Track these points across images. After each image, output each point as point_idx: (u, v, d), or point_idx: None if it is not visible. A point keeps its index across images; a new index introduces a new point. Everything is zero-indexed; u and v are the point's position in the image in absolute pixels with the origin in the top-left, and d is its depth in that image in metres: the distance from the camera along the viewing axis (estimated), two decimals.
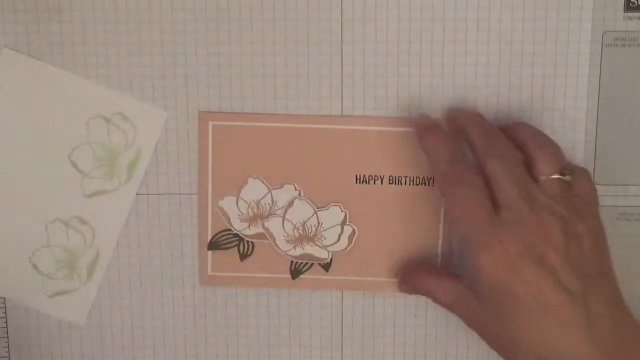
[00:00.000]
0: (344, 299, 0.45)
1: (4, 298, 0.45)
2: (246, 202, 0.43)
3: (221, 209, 0.43)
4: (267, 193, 0.43)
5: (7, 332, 0.46)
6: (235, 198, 0.43)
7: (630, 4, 0.42)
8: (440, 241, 0.44)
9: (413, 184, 0.43)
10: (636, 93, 0.42)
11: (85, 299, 0.45)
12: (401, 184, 0.43)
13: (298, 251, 0.44)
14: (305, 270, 0.44)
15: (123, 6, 0.42)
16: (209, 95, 0.43)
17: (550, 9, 0.42)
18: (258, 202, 0.43)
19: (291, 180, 0.43)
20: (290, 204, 0.43)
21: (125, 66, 0.43)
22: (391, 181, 0.43)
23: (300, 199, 0.43)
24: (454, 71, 0.43)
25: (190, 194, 0.44)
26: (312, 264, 0.44)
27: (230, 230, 0.43)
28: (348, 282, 0.44)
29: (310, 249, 0.43)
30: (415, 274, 0.42)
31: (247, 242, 0.44)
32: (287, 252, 0.44)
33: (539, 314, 0.35)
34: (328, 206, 0.43)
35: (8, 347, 0.46)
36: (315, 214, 0.43)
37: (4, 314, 0.46)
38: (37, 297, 0.45)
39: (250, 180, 0.43)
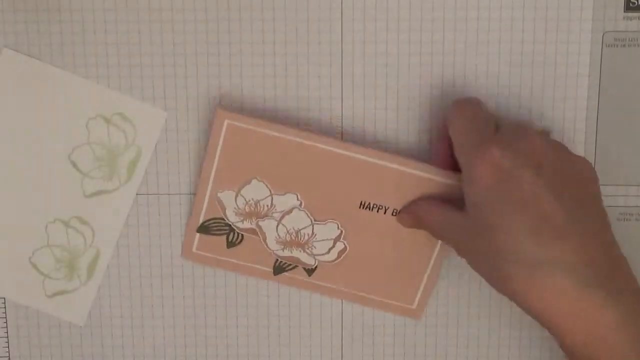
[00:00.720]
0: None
1: (4, 298, 0.45)
2: (245, 200, 0.43)
3: (218, 200, 0.43)
4: (269, 196, 0.43)
5: (7, 332, 0.46)
6: (234, 194, 0.43)
7: (630, 4, 0.42)
8: (425, 277, 0.44)
9: None
10: (636, 93, 0.42)
11: (85, 299, 0.45)
12: None
13: (286, 253, 0.43)
14: (288, 269, 0.44)
15: (123, 6, 0.42)
16: (209, 96, 0.43)
17: (550, 9, 0.42)
18: (257, 202, 0.42)
19: (295, 190, 0.42)
20: (289, 211, 0.43)
21: (125, 66, 0.43)
22: (394, 214, 0.42)
23: (300, 210, 0.42)
24: (454, 71, 0.43)
25: (190, 194, 0.44)
26: (297, 267, 0.44)
27: (223, 219, 0.43)
28: (328, 289, 0.44)
29: (298, 253, 0.43)
30: (410, 204, 0.42)
31: (238, 233, 0.43)
32: (275, 252, 0.44)
33: (535, 222, 0.35)
34: (326, 222, 0.43)
35: (8, 347, 0.46)
36: (311, 226, 0.43)
37: (4, 314, 0.46)
38: (37, 297, 0.45)
39: (254, 181, 0.42)
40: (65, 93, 0.43)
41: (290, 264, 0.44)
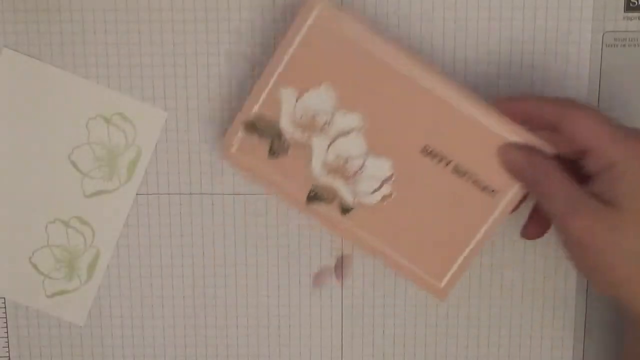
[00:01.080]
0: (344, 298, 0.45)
1: (4, 298, 0.45)
2: (305, 106, 0.39)
3: (278, 97, 0.39)
4: (332, 109, 0.39)
5: (7, 332, 0.46)
6: (297, 95, 0.39)
7: (630, 4, 0.42)
8: (465, 252, 0.40)
9: (475, 186, 0.39)
10: (636, 93, 0.42)
11: (85, 299, 0.45)
12: (464, 178, 0.39)
13: (327, 180, 0.40)
14: (322, 201, 0.41)
15: (123, 6, 0.42)
16: (210, 97, 0.43)
17: (550, 9, 0.42)
18: (316, 114, 0.39)
19: (362, 111, 0.39)
20: (347, 133, 0.39)
21: (125, 66, 0.43)
22: (455, 171, 0.39)
23: (358, 134, 0.39)
24: (454, 71, 0.43)
25: (191, 193, 0.44)
26: (333, 200, 0.41)
27: (274, 121, 0.40)
28: (357, 237, 0.41)
29: (340, 185, 0.40)
30: (526, 149, 0.39)
31: (284, 142, 0.40)
32: (317, 175, 0.40)
33: None
34: (381, 157, 0.40)
35: (8, 347, 0.46)
36: (364, 156, 0.40)
37: (4, 314, 0.46)
38: (37, 297, 0.45)
39: (323, 86, 0.39)
40: (65, 93, 0.43)
41: (326, 197, 0.40)
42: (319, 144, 0.39)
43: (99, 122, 0.43)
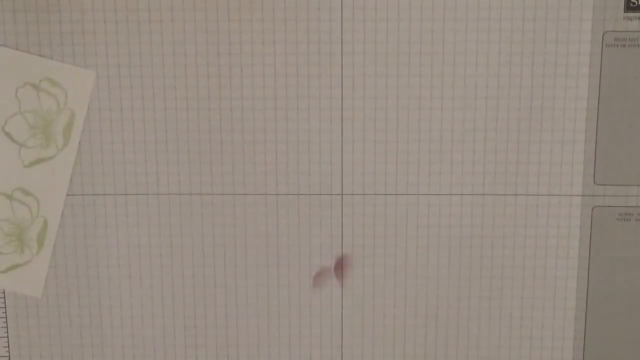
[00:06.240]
0: (344, 298, 0.45)
1: (3, 297, 0.45)
2: None
3: None
4: None
5: (7, 331, 0.46)
6: None
7: (630, 4, 0.42)
8: None
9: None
10: (636, 93, 0.42)
11: (40, 270, 0.45)
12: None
13: None
14: None
15: (123, 6, 0.42)
16: (209, 96, 0.43)
17: (550, 9, 0.42)
18: None
19: None
20: None
21: (125, 66, 0.43)
22: None
23: None
24: (454, 71, 0.43)
25: (191, 194, 0.44)
26: None
27: None
28: None
29: None
30: None
31: None
32: None
33: None
34: None
35: (8, 346, 0.46)
36: None
37: (4, 314, 0.46)
38: None
39: None
40: None
41: None
42: None
43: (28, 89, 0.43)
